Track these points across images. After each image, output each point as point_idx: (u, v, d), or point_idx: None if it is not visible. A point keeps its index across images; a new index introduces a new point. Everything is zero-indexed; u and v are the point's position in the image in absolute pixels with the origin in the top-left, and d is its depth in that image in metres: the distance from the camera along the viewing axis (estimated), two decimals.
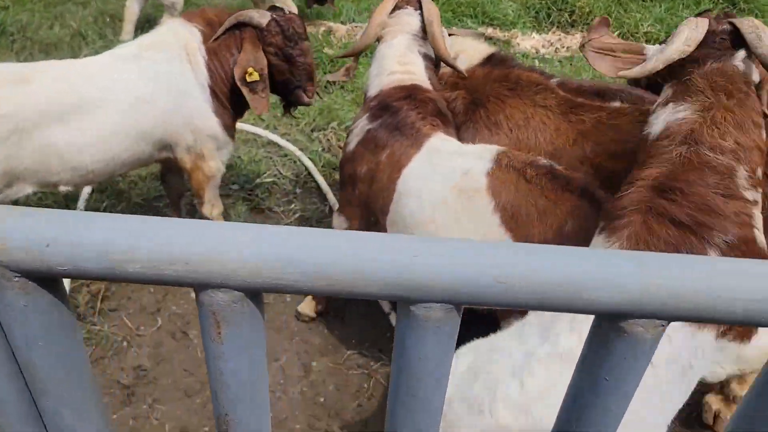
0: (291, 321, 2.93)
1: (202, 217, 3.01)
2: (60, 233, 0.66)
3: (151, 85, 2.52)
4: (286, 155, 3.95)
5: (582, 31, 5.35)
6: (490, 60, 2.74)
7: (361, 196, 2.55)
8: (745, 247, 1.53)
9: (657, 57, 1.76)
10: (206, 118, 2.66)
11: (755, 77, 1.75)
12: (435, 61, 2.70)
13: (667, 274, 0.68)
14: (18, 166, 2.33)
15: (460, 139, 2.53)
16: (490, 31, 5.32)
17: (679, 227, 1.54)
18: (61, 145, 2.37)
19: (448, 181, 2.18)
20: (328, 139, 4.08)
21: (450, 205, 2.13)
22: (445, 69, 2.75)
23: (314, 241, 0.67)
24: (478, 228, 2.05)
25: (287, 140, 4.05)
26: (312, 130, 4.14)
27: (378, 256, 0.66)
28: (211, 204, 2.94)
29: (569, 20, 5.44)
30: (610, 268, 0.68)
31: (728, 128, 1.62)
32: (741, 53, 1.73)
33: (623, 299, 0.67)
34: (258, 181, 3.72)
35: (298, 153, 3.93)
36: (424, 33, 2.62)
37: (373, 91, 2.61)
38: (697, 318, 0.69)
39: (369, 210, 2.53)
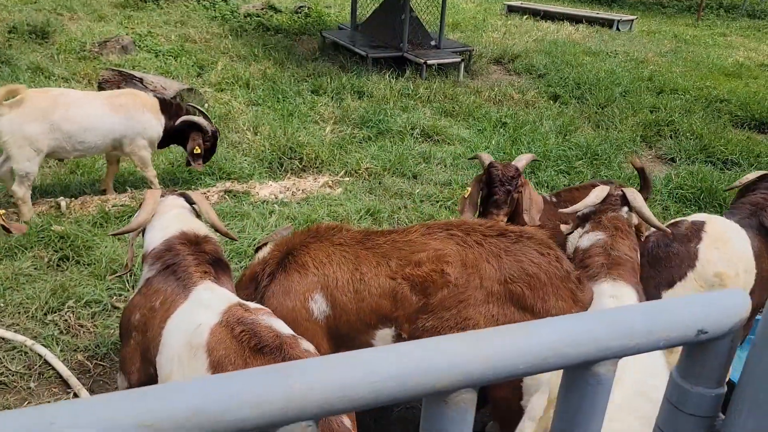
0: None
1: None
2: None
3: None
4: (14, 348, 3.50)
5: (313, 174, 5.89)
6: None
7: (138, 346, 2.43)
8: None
9: (579, 206, 3.03)
10: None
11: (634, 221, 3.00)
12: None
13: (306, 378, 0.79)
14: None
15: (277, 284, 2.71)
16: (228, 184, 5.56)
17: None
18: None
19: (185, 334, 2.14)
20: (66, 320, 3.74)
21: (183, 360, 2.08)
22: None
23: None
24: None
25: (14, 331, 3.62)
26: (45, 314, 3.76)
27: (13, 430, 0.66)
28: None
29: (300, 166, 5.96)
30: (252, 386, 0.76)
31: (624, 244, 2.82)
32: (625, 208, 2.99)
33: (268, 411, 0.75)
34: None
35: (29, 342, 3.51)
36: (195, 214, 2.92)
37: (157, 242, 2.63)
38: (337, 411, 0.80)
39: (147, 360, 2.38)
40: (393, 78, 8.38)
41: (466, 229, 2.71)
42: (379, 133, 6.76)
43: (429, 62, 8.56)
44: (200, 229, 2.77)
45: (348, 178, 5.89)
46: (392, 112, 7.26)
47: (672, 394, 1.05)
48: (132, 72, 7.36)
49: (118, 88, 7.37)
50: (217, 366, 2.01)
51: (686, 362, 1.03)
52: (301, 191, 5.63)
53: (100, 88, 7.30)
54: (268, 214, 5.04)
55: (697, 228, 3.09)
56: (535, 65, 9.48)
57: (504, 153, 6.28)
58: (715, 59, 10.89)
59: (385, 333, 2.66)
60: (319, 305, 2.66)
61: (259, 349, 1.98)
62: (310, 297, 2.67)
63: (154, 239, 2.68)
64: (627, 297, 2.55)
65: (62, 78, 7.56)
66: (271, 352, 1.98)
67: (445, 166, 6.21)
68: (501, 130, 7.08)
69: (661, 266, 3.02)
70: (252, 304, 2.29)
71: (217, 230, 2.87)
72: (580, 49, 10.74)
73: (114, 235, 3.82)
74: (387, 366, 0.83)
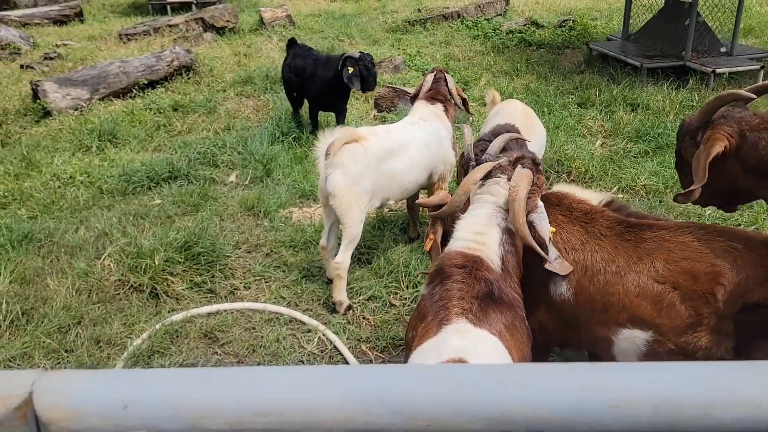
0: None
1: None
2: (136, 393, 0.62)
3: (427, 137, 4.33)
4: (309, 331, 3.88)
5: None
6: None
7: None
8: None
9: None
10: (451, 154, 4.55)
11: None
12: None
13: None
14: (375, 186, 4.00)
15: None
16: None
17: None
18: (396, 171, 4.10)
19: None
20: (353, 311, 4.04)
21: None
22: None
23: (408, 377, 0.62)
24: None
25: (309, 316, 4.02)
26: (334, 303, 4.11)
27: (483, 389, 0.61)
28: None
29: (568, 180, 5.70)
30: (740, 381, 0.62)
31: None
32: None
33: (762, 415, 0.60)
34: (282, 361, 3.61)
35: (321, 327, 3.87)
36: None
37: (447, 250, 2.45)
38: None
39: None
40: (672, 89, 7.62)
41: (749, 244, 2.27)
42: (657, 148, 6.16)
43: (718, 71, 7.59)
44: (485, 245, 2.37)
45: (622, 195, 5.45)
46: (672, 125, 6.56)
47: None
48: (404, 88, 7.86)
49: (392, 103, 7.96)
50: None
51: None
52: None
53: (376, 104, 7.96)
54: None
55: None
56: None
57: None
58: None
59: (635, 335, 2.39)
60: (558, 288, 2.54)
61: None
62: (552, 282, 2.56)
63: (450, 246, 2.46)
64: None
65: None
66: None
67: None
68: None
69: None
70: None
71: (521, 238, 2.41)
72: None
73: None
74: None
